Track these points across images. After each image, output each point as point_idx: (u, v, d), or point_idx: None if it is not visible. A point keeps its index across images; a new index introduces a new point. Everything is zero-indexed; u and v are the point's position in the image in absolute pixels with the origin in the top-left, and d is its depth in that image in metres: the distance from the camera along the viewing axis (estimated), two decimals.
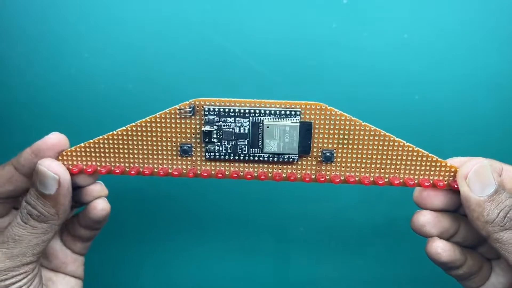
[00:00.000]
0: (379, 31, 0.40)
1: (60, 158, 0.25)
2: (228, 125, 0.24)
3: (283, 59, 0.40)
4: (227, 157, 0.24)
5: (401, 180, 0.25)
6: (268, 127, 0.23)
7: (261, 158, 0.24)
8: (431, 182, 0.24)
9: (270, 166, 0.25)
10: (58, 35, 0.41)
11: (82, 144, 0.25)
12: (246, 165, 0.25)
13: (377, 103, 0.40)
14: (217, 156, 0.24)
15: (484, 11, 0.39)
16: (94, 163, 0.25)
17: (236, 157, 0.24)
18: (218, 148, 0.24)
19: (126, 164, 0.25)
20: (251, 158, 0.24)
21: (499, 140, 0.41)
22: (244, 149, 0.24)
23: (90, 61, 0.41)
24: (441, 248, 0.24)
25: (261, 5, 0.39)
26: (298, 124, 0.23)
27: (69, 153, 0.25)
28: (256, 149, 0.24)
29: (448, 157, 0.26)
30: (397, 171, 0.24)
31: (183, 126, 0.24)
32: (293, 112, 0.23)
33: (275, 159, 0.24)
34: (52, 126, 0.38)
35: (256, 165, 0.25)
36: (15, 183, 0.25)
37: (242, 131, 0.24)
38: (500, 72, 0.40)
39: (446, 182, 0.24)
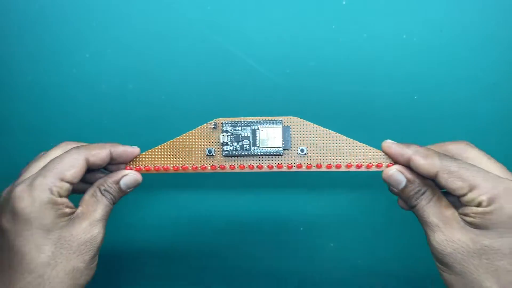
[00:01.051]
0: (378, 32, 0.39)
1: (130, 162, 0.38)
2: (237, 132, 0.37)
3: (283, 60, 0.40)
4: (236, 153, 0.37)
5: (354, 165, 0.36)
6: (262, 130, 0.37)
7: (258, 153, 0.37)
8: (374, 164, 0.36)
9: (265, 158, 0.37)
10: (59, 36, 0.41)
11: (143, 153, 0.38)
12: (248, 159, 0.37)
13: (376, 103, 0.40)
14: (230, 153, 0.37)
15: (482, 12, 0.38)
16: (149, 165, 0.38)
17: (242, 152, 0.37)
18: (231, 147, 0.37)
19: (170, 165, 0.38)
20: (252, 153, 0.37)
21: (497, 139, 0.41)
22: (247, 147, 0.37)
23: (91, 61, 0.41)
24: (397, 169, 0.34)
25: (261, 6, 0.39)
26: (281, 127, 0.37)
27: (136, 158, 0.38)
28: (255, 147, 0.37)
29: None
30: (352, 159, 0.36)
31: (209, 136, 0.38)
32: (277, 121, 0.37)
33: (268, 152, 0.37)
34: (53, 125, 0.42)
35: (255, 158, 0.37)
36: (104, 161, 0.35)
37: (246, 135, 0.37)
38: (498, 73, 0.40)
39: (383, 164, 0.35)
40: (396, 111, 0.40)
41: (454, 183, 0.30)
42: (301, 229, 0.44)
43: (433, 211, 0.31)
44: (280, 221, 0.44)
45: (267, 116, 0.37)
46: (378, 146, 0.35)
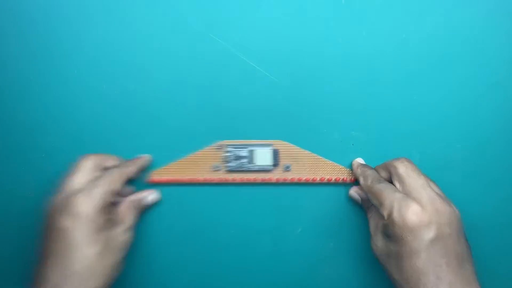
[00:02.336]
0: (377, 30, 0.39)
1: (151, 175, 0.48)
2: (238, 152, 0.48)
3: (282, 59, 0.41)
4: (237, 168, 0.48)
5: (326, 178, 0.48)
6: (256, 151, 0.48)
7: (253, 169, 0.48)
8: (341, 178, 0.47)
9: (258, 173, 0.48)
10: (60, 36, 0.41)
11: (163, 167, 0.49)
12: (246, 173, 0.48)
13: (375, 103, 0.41)
14: (232, 169, 0.48)
15: (481, 11, 0.39)
16: (165, 176, 0.48)
17: (241, 169, 0.48)
18: (233, 164, 0.48)
19: (185, 177, 0.48)
20: (249, 169, 0.48)
21: (497, 140, 0.41)
22: (245, 164, 0.48)
23: (92, 62, 0.41)
24: (353, 191, 0.46)
25: (260, 5, 0.40)
26: (272, 150, 0.48)
27: (155, 171, 0.49)
28: (251, 164, 0.48)
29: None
30: (325, 174, 0.48)
31: (215, 155, 0.48)
32: (269, 144, 0.48)
33: (261, 169, 0.48)
34: (53, 126, 0.43)
35: (251, 173, 0.48)
36: (135, 175, 0.45)
37: (244, 155, 0.48)
38: (498, 73, 0.40)
39: (347, 178, 0.47)
40: (394, 111, 0.41)
41: (374, 201, 0.39)
42: (300, 229, 0.46)
43: (372, 222, 0.42)
44: (277, 223, 0.46)
45: (261, 138, 0.48)
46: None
